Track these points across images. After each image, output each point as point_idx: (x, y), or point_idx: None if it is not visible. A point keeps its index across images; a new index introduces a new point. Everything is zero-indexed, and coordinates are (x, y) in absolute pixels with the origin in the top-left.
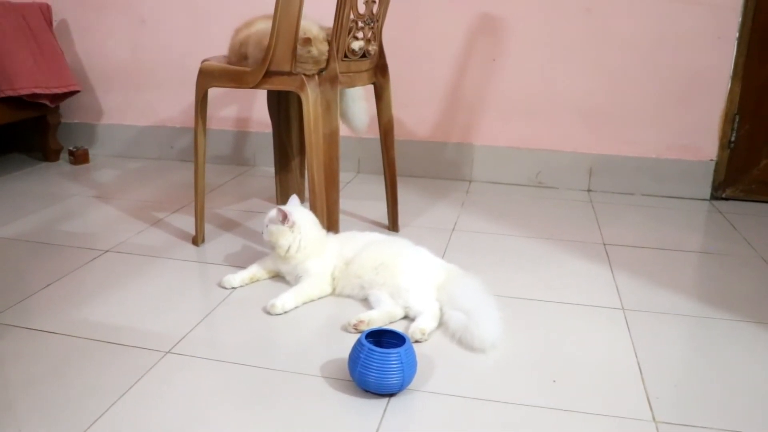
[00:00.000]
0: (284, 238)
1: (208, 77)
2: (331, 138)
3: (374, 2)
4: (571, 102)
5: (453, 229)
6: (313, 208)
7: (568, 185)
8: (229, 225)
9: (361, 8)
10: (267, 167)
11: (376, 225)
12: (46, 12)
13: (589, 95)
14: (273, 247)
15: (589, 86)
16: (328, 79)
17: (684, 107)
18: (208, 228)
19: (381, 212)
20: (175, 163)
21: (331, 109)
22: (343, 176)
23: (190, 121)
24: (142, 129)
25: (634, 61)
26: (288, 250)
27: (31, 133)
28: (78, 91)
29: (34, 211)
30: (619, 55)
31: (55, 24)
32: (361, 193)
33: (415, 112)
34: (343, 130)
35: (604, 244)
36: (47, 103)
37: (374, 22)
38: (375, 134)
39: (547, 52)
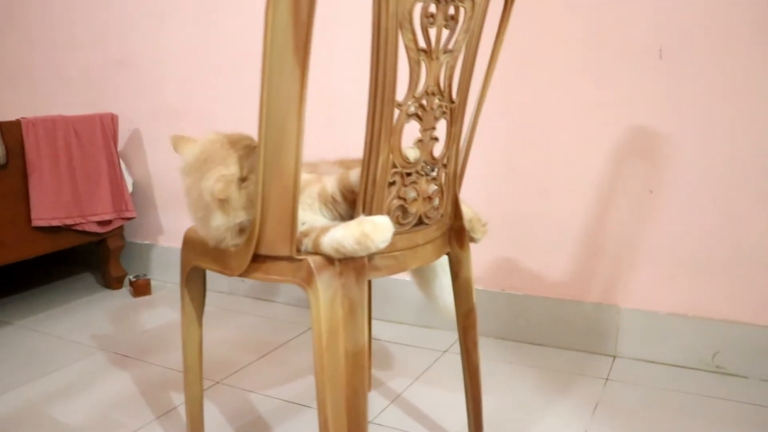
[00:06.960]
0: None
1: (191, 251)
2: (356, 359)
3: (436, 139)
4: (765, 253)
5: None
6: None
7: (762, 374)
8: (255, 426)
9: (412, 153)
10: None
11: None
12: (108, 124)
13: None
14: None
15: None
16: (353, 267)
17: None
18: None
19: (460, 424)
20: (245, 301)
21: (357, 314)
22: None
23: None
24: None
25: None
26: None
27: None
28: (132, 218)
29: (41, 376)
30: None
31: (128, 134)
32: (438, 379)
33: (538, 259)
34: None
35: None
36: (96, 230)
37: (439, 169)
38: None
39: (729, 183)
